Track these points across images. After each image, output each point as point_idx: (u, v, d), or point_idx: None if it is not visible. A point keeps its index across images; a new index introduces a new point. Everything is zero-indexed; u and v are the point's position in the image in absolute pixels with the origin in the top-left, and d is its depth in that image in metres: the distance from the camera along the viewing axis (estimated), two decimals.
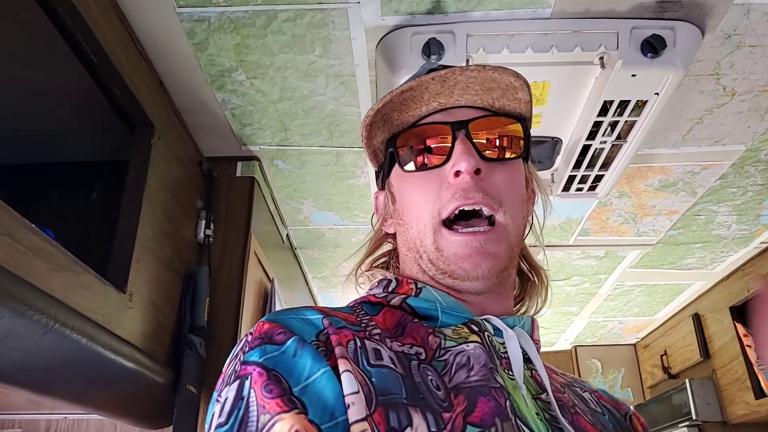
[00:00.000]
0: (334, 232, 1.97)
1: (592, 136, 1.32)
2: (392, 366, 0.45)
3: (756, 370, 2.19)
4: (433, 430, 0.41)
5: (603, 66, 1.12)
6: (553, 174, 1.50)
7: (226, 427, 0.40)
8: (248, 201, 1.53)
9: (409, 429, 0.40)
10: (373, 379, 0.43)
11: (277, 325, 0.46)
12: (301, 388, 0.42)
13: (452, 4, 1.08)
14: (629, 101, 1.21)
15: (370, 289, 0.60)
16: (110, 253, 1.12)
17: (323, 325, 0.47)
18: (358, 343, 0.46)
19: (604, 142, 1.34)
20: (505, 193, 0.54)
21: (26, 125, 1.35)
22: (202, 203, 1.47)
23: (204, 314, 1.33)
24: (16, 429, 1.30)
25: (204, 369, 1.32)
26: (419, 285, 0.55)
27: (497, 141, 0.56)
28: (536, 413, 0.47)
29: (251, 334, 0.46)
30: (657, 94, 1.18)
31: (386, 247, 0.66)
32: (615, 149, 1.37)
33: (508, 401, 0.45)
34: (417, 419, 0.41)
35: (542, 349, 0.59)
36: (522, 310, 0.62)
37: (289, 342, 0.44)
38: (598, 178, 1.49)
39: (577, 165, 1.42)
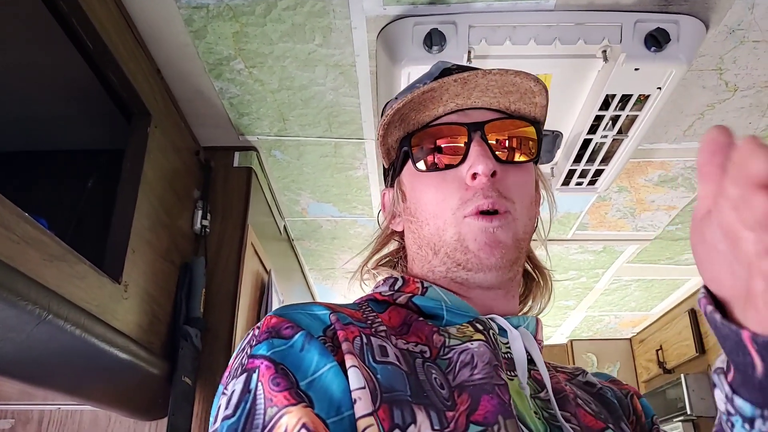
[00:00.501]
0: (332, 223, 1.96)
1: (593, 130, 1.31)
2: (397, 363, 0.45)
3: None
4: (436, 428, 0.41)
5: (606, 59, 1.11)
6: (552, 168, 1.49)
7: (233, 420, 0.41)
8: (245, 192, 1.52)
9: (412, 426, 0.41)
10: (379, 376, 0.43)
11: (285, 319, 0.46)
12: (308, 382, 0.42)
13: None
14: (631, 95, 1.20)
15: (376, 287, 0.60)
16: (105, 243, 1.10)
17: (330, 320, 0.47)
18: (365, 340, 0.46)
19: (605, 136, 1.33)
20: (517, 195, 0.55)
21: (20, 112, 1.33)
22: (198, 193, 1.46)
23: (200, 305, 1.32)
24: (9, 419, 1.29)
25: (200, 360, 1.31)
26: (425, 284, 0.56)
27: (511, 143, 0.57)
28: (534, 412, 0.48)
29: (258, 328, 0.46)
30: (659, 88, 1.17)
31: (393, 245, 0.66)
32: (616, 144, 1.36)
33: (511, 398, 0.45)
34: (421, 417, 0.41)
35: None
36: (525, 310, 0.62)
37: (297, 336, 0.44)
38: (598, 173, 1.48)
39: (578, 159, 1.42)
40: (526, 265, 0.63)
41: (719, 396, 0.39)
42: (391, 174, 0.63)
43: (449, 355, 0.48)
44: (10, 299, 0.76)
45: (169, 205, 1.29)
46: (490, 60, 1.11)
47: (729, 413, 0.38)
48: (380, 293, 0.56)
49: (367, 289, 0.62)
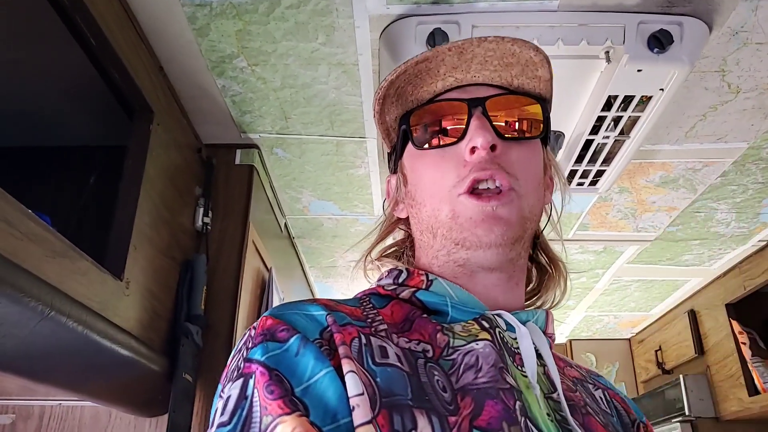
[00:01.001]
0: (333, 222, 1.97)
1: (595, 130, 1.31)
2: (398, 364, 0.44)
3: (750, 368, 2.20)
4: None
5: (609, 60, 1.11)
6: None
7: (228, 427, 0.40)
8: (247, 189, 1.52)
9: None
10: (378, 379, 0.42)
11: (280, 321, 0.45)
12: (303, 388, 0.41)
13: None
14: (634, 96, 1.20)
15: (379, 280, 0.58)
16: (107, 239, 1.10)
17: (327, 322, 0.46)
18: (363, 341, 0.45)
19: (607, 137, 1.33)
20: (521, 170, 0.53)
21: (22, 108, 1.33)
22: (200, 191, 1.46)
23: (201, 303, 1.33)
24: (10, 415, 1.29)
25: (200, 357, 1.31)
26: (431, 277, 0.54)
27: (514, 119, 0.54)
28: (547, 414, 0.46)
29: (254, 329, 0.45)
30: (662, 89, 1.17)
31: (398, 235, 0.64)
32: (617, 144, 1.37)
33: (518, 402, 0.44)
34: (422, 422, 0.40)
35: None
36: (538, 303, 0.60)
37: (292, 340, 0.43)
38: (600, 173, 1.48)
39: (579, 159, 1.42)
40: (540, 257, 0.60)
41: None
42: (394, 158, 0.61)
43: (453, 356, 0.47)
44: (12, 295, 0.76)
45: (170, 202, 1.29)
46: None
47: None
48: (383, 287, 0.54)
49: (372, 278, 0.60)
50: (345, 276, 2.38)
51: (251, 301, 1.53)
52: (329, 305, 0.48)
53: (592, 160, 1.42)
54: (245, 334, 0.46)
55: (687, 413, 2.44)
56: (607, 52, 1.10)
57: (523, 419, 0.43)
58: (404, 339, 0.47)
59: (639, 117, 1.26)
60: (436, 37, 1.06)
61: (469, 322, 0.51)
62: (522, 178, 0.52)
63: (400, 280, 0.55)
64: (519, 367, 0.48)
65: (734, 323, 2.30)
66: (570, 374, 0.57)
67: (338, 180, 1.70)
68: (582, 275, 2.41)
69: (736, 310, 2.33)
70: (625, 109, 1.24)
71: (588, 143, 1.36)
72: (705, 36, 1.14)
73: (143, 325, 1.15)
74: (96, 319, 0.96)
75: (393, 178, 0.62)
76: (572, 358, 3.20)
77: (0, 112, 1.34)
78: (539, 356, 0.51)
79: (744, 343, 2.24)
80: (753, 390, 2.19)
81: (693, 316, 2.59)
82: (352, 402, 0.40)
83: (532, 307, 0.60)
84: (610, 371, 3.19)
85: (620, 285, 2.53)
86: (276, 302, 1.66)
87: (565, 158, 1.43)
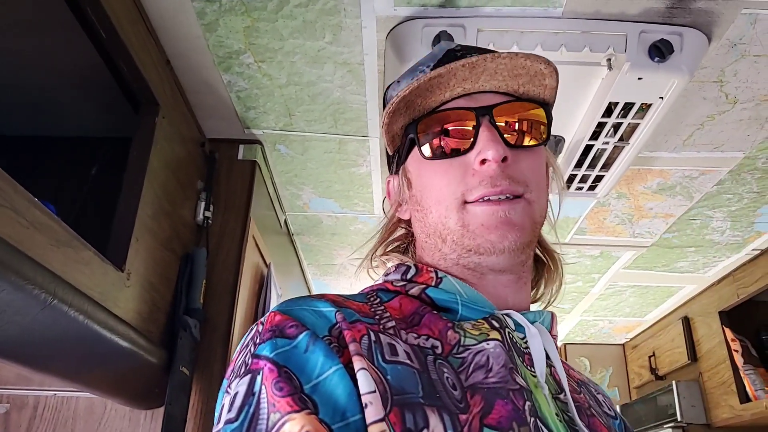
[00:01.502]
0: (333, 219, 1.98)
1: (594, 136, 1.33)
2: (408, 362, 0.44)
3: (742, 375, 2.22)
4: None
5: (610, 68, 1.12)
6: None
7: (236, 424, 0.40)
8: (249, 184, 1.53)
9: (425, 431, 0.40)
10: (389, 377, 0.42)
11: (289, 317, 0.44)
12: (312, 385, 0.40)
13: None
14: (634, 104, 1.22)
15: (386, 275, 0.58)
16: (109, 230, 1.11)
17: (336, 318, 0.45)
18: (373, 338, 0.45)
19: (607, 143, 1.34)
20: (530, 179, 0.54)
21: (28, 98, 1.33)
22: (202, 184, 1.47)
23: (200, 296, 1.33)
24: (4, 404, 1.29)
25: (198, 351, 1.32)
26: (440, 274, 0.54)
27: (520, 126, 0.55)
28: (556, 414, 0.47)
29: (263, 324, 0.45)
30: (662, 98, 1.19)
31: (400, 232, 0.64)
32: (617, 151, 1.38)
33: (527, 402, 0.44)
34: (434, 421, 0.40)
35: None
36: (537, 296, 0.61)
37: (301, 336, 0.43)
38: (599, 179, 1.49)
39: (578, 164, 1.43)
40: (536, 250, 0.61)
41: None
42: (396, 161, 0.61)
43: (463, 354, 0.47)
44: (17, 282, 0.76)
45: (172, 194, 1.30)
46: None
47: None
48: (392, 283, 0.54)
49: (376, 276, 0.60)
50: (343, 274, 2.39)
51: (249, 296, 1.54)
52: (337, 301, 0.48)
53: (592, 166, 1.44)
54: (252, 329, 0.46)
55: (679, 419, 2.45)
56: (608, 60, 1.12)
57: (532, 419, 0.43)
58: (413, 335, 0.47)
59: (638, 124, 1.28)
60: (442, 40, 1.07)
61: (479, 321, 0.51)
62: (532, 184, 0.53)
63: (409, 276, 0.55)
64: (528, 367, 0.49)
65: (727, 331, 2.32)
66: (574, 377, 0.58)
67: (339, 178, 1.72)
68: (578, 279, 2.42)
69: (730, 317, 2.35)
70: (625, 116, 1.25)
71: (588, 148, 1.37)
72: (704, 47, 1.16)
73: (142, 316, 1.16)
74: (97, 309, 0.97)
75: (394, 179, 0.63)
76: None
77: (6, 101, 1.34)
78: (547, 356, 0.52)
79: (736, 351, 2.26)
80: (744, 397, 2.21)
81: (687, 322, 2.61)
82: (365, 399, 0.40)
83: (533, 302, 0.60)
84: (604, 376, 3.20)
85: (616, 290, 2.55)
86: (274, 298, 1.67)
87: (564, 163, 1.44)
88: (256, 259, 1.60)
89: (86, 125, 1.42)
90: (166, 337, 1.26)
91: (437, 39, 1.07)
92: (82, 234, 0.94)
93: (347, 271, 2.34)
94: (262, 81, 1.32)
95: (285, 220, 1.97)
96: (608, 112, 1.24)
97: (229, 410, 0.41)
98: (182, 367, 1.24)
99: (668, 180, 1.70)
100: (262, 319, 0.46)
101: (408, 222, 0.62)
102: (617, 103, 1.21)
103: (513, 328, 0.52)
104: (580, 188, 1.53)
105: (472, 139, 0.53)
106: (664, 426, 2.55)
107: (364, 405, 0.40)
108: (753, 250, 2.10)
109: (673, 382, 2.53)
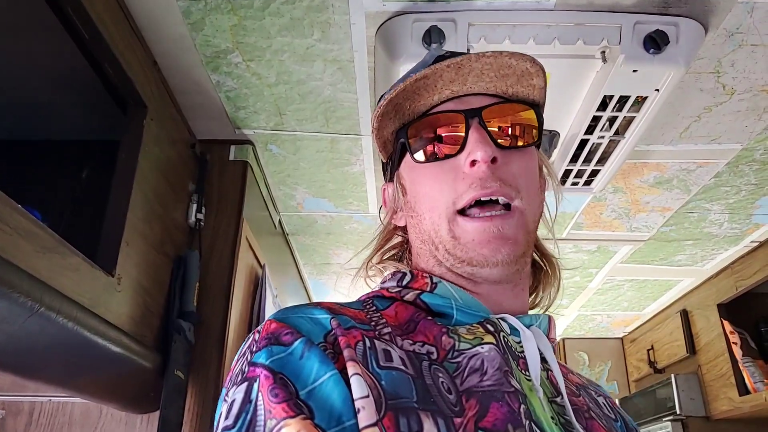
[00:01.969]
0: (327, 219, 1.96)
1: (590, 130, 1.31)
2: (403, 367, 0.44)
3: (741, 368, 2.21)
4: None
5: (604, 60, 1.11)
6: None
7: (233, 431, 0.40)
8: (241, 185, 1.51)
9: None
10: (383, 382, 0.42)
11: (285, 324, 0.45)
12: (307, 391, 0.41)
13: None
14: (629, 97, 1.20)
15: (383, 283, 0.58)
16: (99, 234, 1.10)
17: (331, 325, 0.46)
18: (368, 344, 0.45)
19: (602, 137, 1.33)
20: (522, 181, 0.53)
21: (13, 101, 1.31)
22: (193, 186, 1.45)
23: (193, 299, 1.32)
24: (0, 410, 1.28)
25: (192, 354, 1.31)
26: (435, 280, 0.54)
27: (511, 129, 0.55)
28: (551, 417, 0.47)
29: (259, 332, 0.45)
30: (657, 90, 1.17)
31: (396, 240, 0.64)
32: (612, 144, 1.37)
33: (522, 405, 0.44)
34: (428, 424, 0.40)
35: None
36: (536, 301, 0.61)
37: (296, 343, 0.43)
38: (594, 173, 1.48)
39: (574, 159, 1.42)
40: (533, 254, 0.61)
41: None
42: (390, 168, 0.61)
43: (458, 359, 0.47)
44: (1, 291, 0.75)
45: (163, 197, 1.28)
46: None
47: None
48: (387, 290, 0.54)
49: (373, 284, 0.60)
50: (338, 273, 2.38)
51: (244, 297, 1.52)
52: (333, 309, 0.48)
53: (587, 160, 1.42)
54: (249, 338, 0.46)
55: (678, 412, 2.45)
56: (603, 52, 1.10)
57: (527, 422, 0.43)
58: (408, 341, 0.48)
59: (634, 117, 1.26)
60: (432, 35, 1.06)
61: (474, 325, 0.51)
62: (524, 189, 0.53)
63: (404, 283, 0.55)
64: (523, 371, 0.48)
65: (726, 323, 2.31)
66: (573, 380, 0.57)
67: (333, 177, 1.70)
68: (576, 274, 2.42)
69: (728, 310, 2.34)
70: (620, 109, 1.24)
71: (583, 143, 1.36)
72: (701, 37, 1.14)
73: (135, 321, 1.15)
74: (87, 315, 0.95)
75: (389, 186, 0.63)
76: (565, 357, 3.22)
77: None
78: (543, 360, 0.51)
79: (735, 343, 2.25)
80: (743, 390, 2.21)
81: (685, 315, 2.60)
82: (357, 404, 0.40)
83: (533, 306, 0.60)
84: (603, 370, 3.20)
85: (613, 284, 2.54)
86: (269, 299, 1.66)
87: (560, 158, 1.43)
88: (250, 260, 1.58)
89: (74, 128, 1.40)
90: (160, 341, 1.25)
91: (428, 34, 1.06)
92: (71, 239, 0.93)
93: (347, 273, 2.32)
94: (251, 80, 1.31)
95: (279, 220, 1.96)
96: (603, 105, 1.23)
97: (227, 417, 0.41)
98: (177, 370, 1.23)
99: (665, 173, 1.69)
100: (258, 328, 0.46)
101: (404, 229, 0.62)
102: (612, 97, 1.20)
103: (508, 332, 0.51)
104: (576, 183, 1.51)
105: (462, 142, 0.53)
106: (664, 419, 2.55)
107: (357, 410, 0.40)
108: (751, 242, 2.09)
109: (672, 375, 2.53)
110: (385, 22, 1.12)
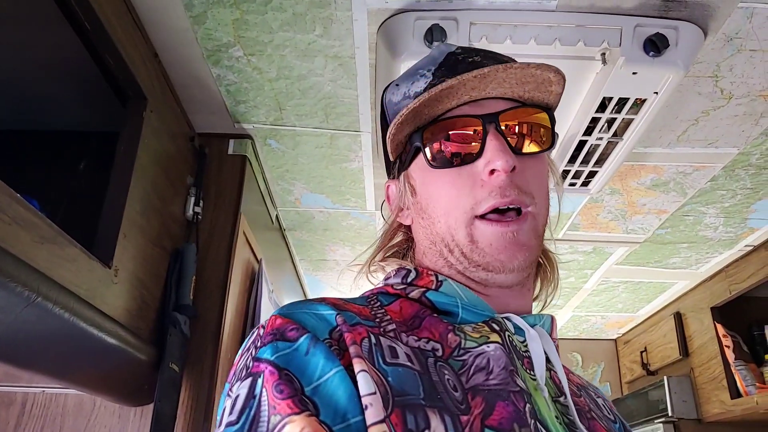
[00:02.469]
0: (324, 215, 1.96)
1: (588, 131, 1.32)
2: (409, 364, 0.44)
3: (733, 371, 2.23)
4: None
5: (604, 62, 1.11)
6: None
7: (236, 427, 0.40)
8: (239, 180, 1.51)
9: (427, 431, 0.40)
10: (389, 379, 0.42)
11: (290, 320, 0.45)
12: (312, 388, 0.41)
13: None
14: (628, 99, 1.21)
15: (387, 279, 0.58)
16: (96, 226, 1.09)
17: (336, 322, 0.46)
18: (373, 340, 0.45)
19: (601, 138, 1.33)
20: (536, 187, 0.54)
21: (12, 91, 1.31)
22: (192, 180, 1.45)
23: (190, 292, 1.32)
24: None
25: (188, 348, 1.31)
26: (440, 278, 0.54)
27: (526, 134, 0.55)
28: (555, 416, 0.47)
29: (263, 327, 0.45)
30: (656, 93, 1.18)
31: (399, 237, 0.64)
32: (610, 146, 1.37)
33: (527, 404, 0.44)
34: (435, 422, 0.40)
35: None
36: (534, 296, 0.61)
37: (302, 339, 0.43)
38: (592, 174, 1.49)
39: (572, 160, 1.42)
40: None
41: None
42: (398, 166, 0.61)
43: (464, 357, 0.47)
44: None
45: (161, 190, 1.28)
46: None
47: None
48: (392, 286, 0.54)
49: (375, 281, 0.60)
50: (335, 270, 2.38)
51: (240, 292, 1.53)
52: (338, 304, 0.48)
53: (585, 161, 1.43)
54: (253, 333, 0.46)
55: (670, 414, 2.46)
56: (603, 54, 1.11)
57: (533, 421, 0.43)
58: (413, 337, 0.48)
59: (632, 119, 1.27)
60: (434, 33, 1.06)
61: (480, 324, 0.51)
62: (537, 195, 0.54)
63: (409, 280, 0.55)
64: (528, 371, 0.49)
65: (719, 326, 2.32)
66: (573, 380, 0.58)
67: (331, 173, 1.70)
68: (570, 275, 2.42)
69: (721, 313, 2.36)
70: (619, 111, 1.24)
71: (581, 144, 1.36)
72: (700, 41, 1.15)
73: (131, 313, 1.15)
74: (83, 306, 0.95)
75: (394, 184, 0.62)
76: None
77: None
78: (547, 360, 0.52)
79: (728, 347, 2.27)
80: (735, 393, 2.22)
81: (679, 318, 2.61)
82: (365, 401, 0.40)
83: (533, 300, 0.61)
84: (596, 371, 3.21)
85: (608, 286, 2.55)
86: (265, 294, 1.66)
87: (558, 158, 1.43)
88: (246, 254, 1.58)
89: (74, 119, 1.40)
90: (156, 334, 1.25)
91: (429, 33, 1.06)
92: (69, 230, 0.93)
93: (339, 266, 2.33)
94: (252, 75, 1.30)
95: (276, 215, 1.96)
96: (602, 107, 1.23)
97: (231, 413, 0.41)
98: (172, 363, 1.23)
99: (662, 176, 1.69)
100: (263, 323, 0.46)
101: (408, 227, 0.62)
102: (611, 98, 1.20)
103: (513, 331, 0.52)
104: (573, 184, 1.52)
105: (479, 148, 0.53)
106: (655, 421, 2.56)
107: (364, 406, 0.40)
108: (746, 246, 2.10)
109: (665, 377, 2.54)
110: (387, 19, 1.12)
